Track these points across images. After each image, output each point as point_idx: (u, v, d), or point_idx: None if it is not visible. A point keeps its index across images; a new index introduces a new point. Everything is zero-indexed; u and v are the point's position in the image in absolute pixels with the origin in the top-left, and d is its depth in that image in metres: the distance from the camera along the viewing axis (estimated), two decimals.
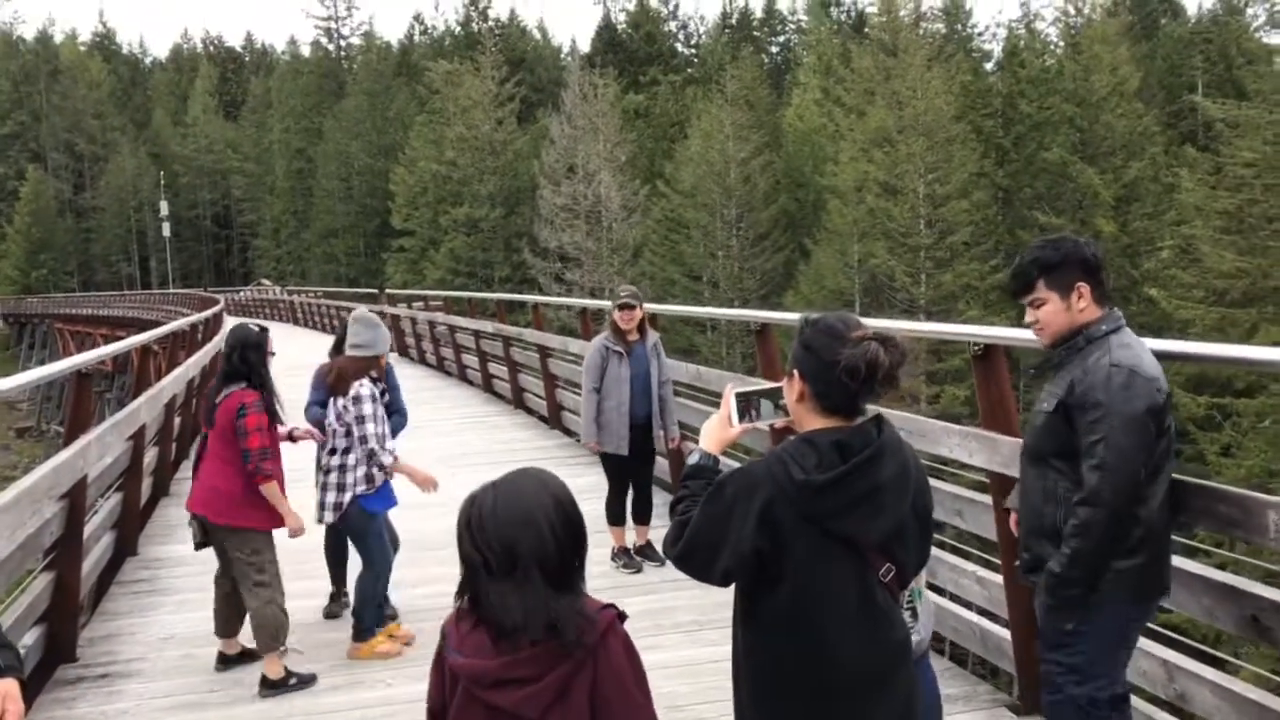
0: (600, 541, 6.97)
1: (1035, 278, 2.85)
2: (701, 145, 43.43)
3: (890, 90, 38.97)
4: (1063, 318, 2.81)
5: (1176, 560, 2.97)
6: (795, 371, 2.16)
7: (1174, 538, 2.91)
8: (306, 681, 4.76)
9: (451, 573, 6.04)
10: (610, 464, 6.53)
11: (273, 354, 5.13)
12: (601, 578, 6.14)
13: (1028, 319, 2.92)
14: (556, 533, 1.91)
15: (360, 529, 5.19)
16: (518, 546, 1.88)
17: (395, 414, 5.99)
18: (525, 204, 49.06)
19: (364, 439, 5.05)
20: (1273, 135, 35.05)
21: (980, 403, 3.96)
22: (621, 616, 1.96)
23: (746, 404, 2.27)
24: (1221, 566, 3.19)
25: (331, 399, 5.19)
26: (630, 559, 6.48)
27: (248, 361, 4.90)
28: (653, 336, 6.63)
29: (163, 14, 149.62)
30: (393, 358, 21.70)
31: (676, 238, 43.91)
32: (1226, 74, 48.09)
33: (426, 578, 6.29)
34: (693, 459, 2.29)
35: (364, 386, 5.10)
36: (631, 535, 6.63)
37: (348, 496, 5.09)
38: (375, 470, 5.11)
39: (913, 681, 2.17)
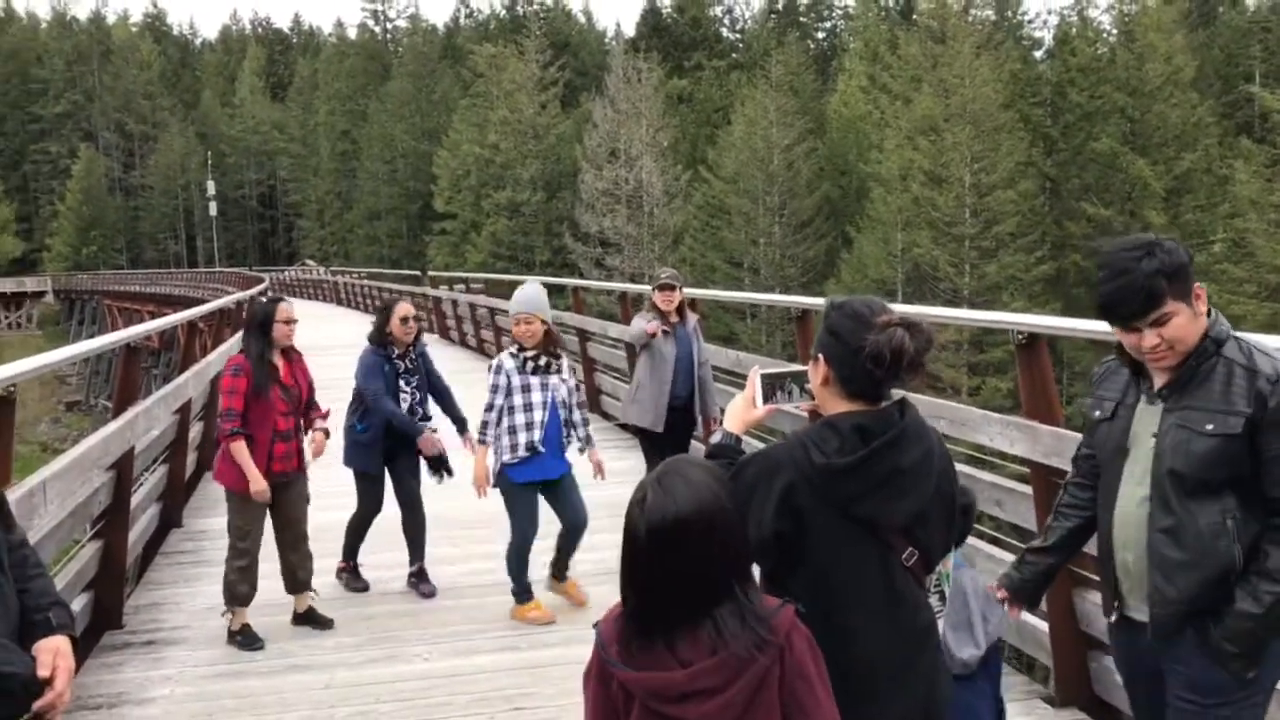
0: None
1: (1164, 290, 2.30)
2: (745, 131, 43.22)
3: (937, 78, 38.54)
4: (1193, 329, 2.35)
5: None
6: (820, 356, 2.14)
7: None
8: (247, 645, 4.97)
9: (487, 551, 6.09)
10: (648, 442, 6.53)
11: (293, 321, 5.16)
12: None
13: (1148, 343, 2.33)
14: (721, 535, 1.83)
15: (504, 496, 5.26)
16: (688, 548, 1.80)
17: (435, 393, 6.03)
18: (567, 188, 49.14)
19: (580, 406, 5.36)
20: None
21: (1023, 392, 3.92)
22: (799, 613, 1.88)
23: (772, 386, 2.27)
24: None
25: (548, 369, 5.23)
26: None
27: (247, 332, 5.12)
28: (692, 319, 6.63)
29: None
30: (433, 339, 21.54)
31: (718, 224, 43.77)
32: None
33: (466, 555, 6.37)
34: (715, 438, 2.29)
35: (499, 359, 5.20)
36: None
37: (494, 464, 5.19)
38: (520, 440, 5.13)
39: (936, 668, 2.15)
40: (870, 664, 2.04)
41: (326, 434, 5.45)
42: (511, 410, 5.13)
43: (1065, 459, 3.65)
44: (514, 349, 5.24)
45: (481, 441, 5.18)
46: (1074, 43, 45.31)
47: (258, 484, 4.96)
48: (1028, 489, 3.99)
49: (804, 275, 42.12)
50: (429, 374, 5.99)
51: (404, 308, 5.82)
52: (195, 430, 7.91)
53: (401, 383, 5.74)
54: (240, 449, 4.92)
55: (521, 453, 5.11)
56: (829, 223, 43.63)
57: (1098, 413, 2.57)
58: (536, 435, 5.11)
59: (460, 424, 6.00)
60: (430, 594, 5.69)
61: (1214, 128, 41.03)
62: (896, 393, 2.19)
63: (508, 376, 5.14)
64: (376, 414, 5.68)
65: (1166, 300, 2.31)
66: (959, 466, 4.64)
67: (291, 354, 5.25)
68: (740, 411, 2.30)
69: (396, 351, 5.77)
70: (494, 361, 5.31)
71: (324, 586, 5.53)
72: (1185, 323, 2.34)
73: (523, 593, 5.28)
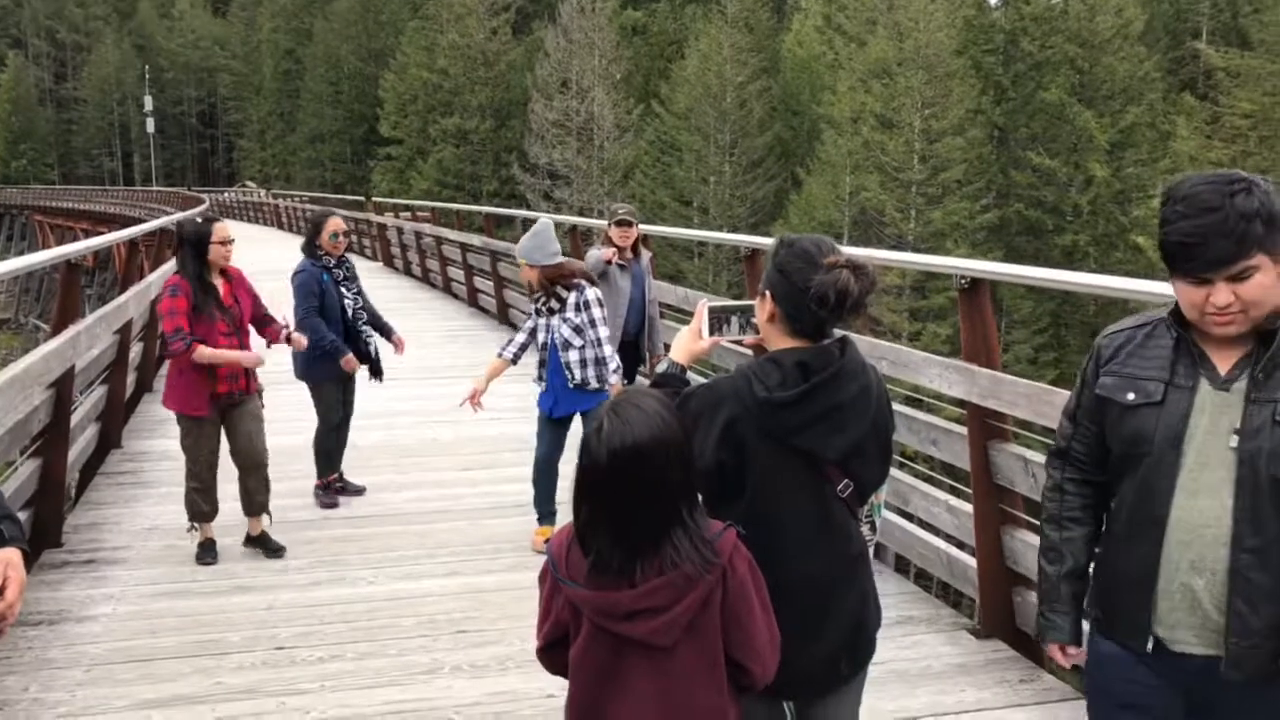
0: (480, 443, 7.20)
1: (1258, 236, 1.87)
2: (699, 67, 42.80)
3: (892, 20, 38.41)
4: (1276, 292, 1.92)
5: None
6: (768, 292, 2.19)
7: None
8: (203, 557, 5.07)
9: (430, 478, 6.19)
10: None
11: (229, 242, 5.06)
12: (480, 478, 6.54)
13: (1220, 299, 1.90)
14: (674, 463, 1.88)
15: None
16: (644, 473, 1.86)
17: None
18: (516, 118, 48.43)
19: (600, 342, 5.26)
20: (1272, 87, 34.90)
21: (964, 336, 4.03)
22: (740, 535, 1.95)
23: (719, 319, 2.32)
24: None
25: (552, 309, 5.15)
26: None
27: (181, 251, 5.01)
28: (646, 256, 6.68)
29: None
30: (378, 267, 21.34)
31: (669, 160, 43.51)
32: (1232, 22, 47.57)
33: (415, 482, 6.42)
34: (661, 367, 2.33)
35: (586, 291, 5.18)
36: None
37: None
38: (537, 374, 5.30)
39: (866, 594, 2.26)
40: (803, 590, 2.12)
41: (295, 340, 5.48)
42: (520, 329, 5.38)
43: (1000, 401, 3.79)
44: (531, 295, 5.43)
45: (499, 355, 5.31)
46: None
47: (249, 358, 5.02)
48: (963, 430, 4.12)
49: (752, 216, 42.14)
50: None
51: (335, 223, 5.95)
52: (135, 351, 7.80)
53: (343, 289, 5.90)
54: (205, 352, 4.85)
55: (536, 384, 5.31)
56: (779, 163, 43.59)
57: (1131, 395, 2.03)
58: (537, 372, 5.27)
59: (384, 331, 6.21)
60: (331, 505, 5.93)
61: (1159, 83, 41.53)
62: (838, 331, 2.26)
63: (530, 316, 5.34)
64: (330, 325, 5.79)
65: (1255, 250, 1.86)
66: (897, 407, 4.77)
67: (230, 274, 5.17)
68: (687, 342, 2.34)
69: (332, 261, 5.90)
70: None
71: (275, 510, 5.53)
72: (1270, 282, 1.90)
73: (542, 515, 5.35)
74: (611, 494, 1.87)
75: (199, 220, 5.04)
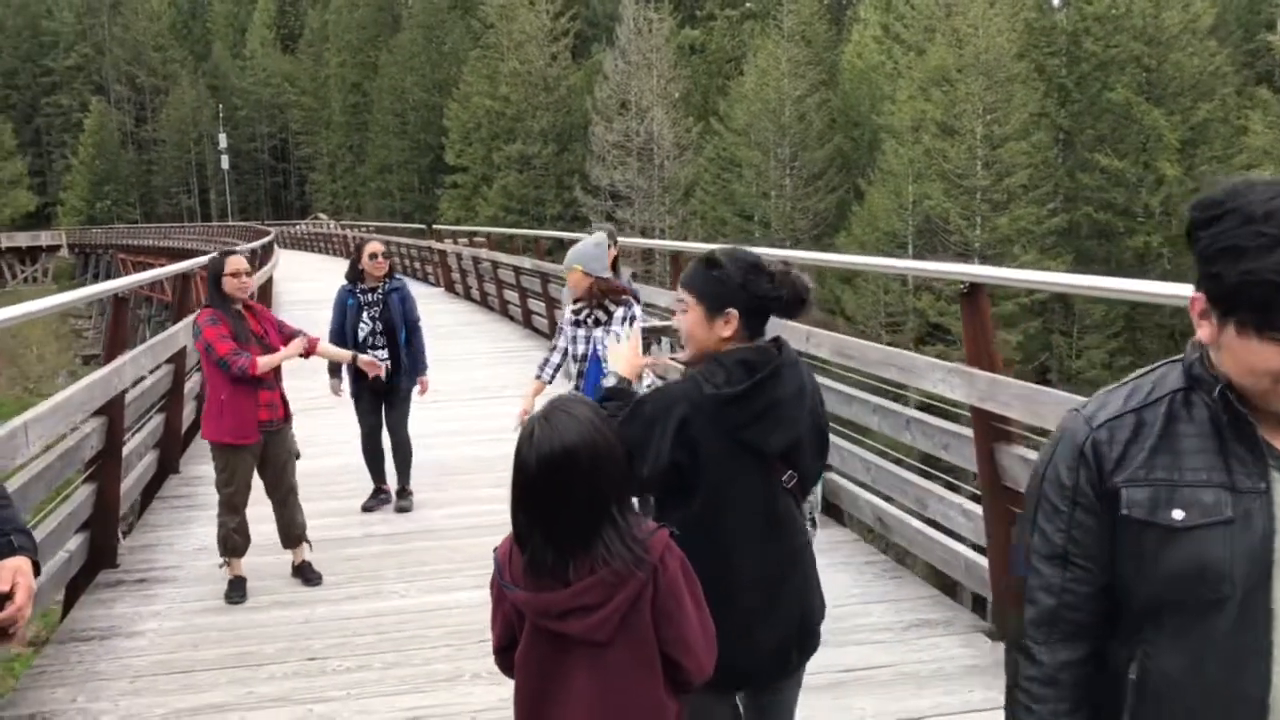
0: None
1: None
2: (757, 82, 42.86)
3: (951, 27, 38.07)
4: None
5: None
6: (732, 310, 2.26)
7: None
8: (232, 596, 5.07)
9: (472, 495, 6.35)
10: None
11: (241, 273, 5.17)
12: None
13: None
14: (605, 465, 1.97)
15: None
16: (572, 477, 1.94)
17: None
18: (578, 141, 48.95)
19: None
20: None
21: (965, 340, 4.06)
22: (674, 535, 2.03)
23: (648, 339, 2.47)
24: None
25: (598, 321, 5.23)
26: None
27: (210, 287, 5.19)
28: (626, 273, 6.89)
29: None
30: (439, 292, 21.72)
31: (729, 176, 43.59)
32: None
33: (451, 499, 6.59)
34: (609, 382, 2.46)
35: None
36: None
37: None
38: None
39: (809, 584, 2.34)
40: (754, 581, 2.22)
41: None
42: (553, 349, 5.41)
43: (998, 403, 3.80)
44: (573, 302, 5.46)
45: (536, 377, 5.39)
46: None
47: (296, 345, 5.21)
48: (970, 432, 4.14)
49: (814, 228, 41.99)
50: (405, 303, 6.40)
51: (372, 246, 6.34)
52: (193, 380, 8.11)
53: (364, 314, 6.28)
54: (263, 360, 4.99)
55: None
56: (840, 175, 43.38)
57: (1180, 514, 1.37)
58: (546, 375, 5.34)
59: (419, 365, 6.53)
60: (369, 510, 6.36)
61: (1232, 77, 40.42)
62: (770, 332, 2.38)
63: (567, 326, 5.37)
64: (345, 344, 6.20)
65: None
66: (910, 412, 4.80)
67: (254, 309, 5.33)
68: (628, 358, 2.47)
69: (364, 287, 6.28)
70: None
71: (311, 529, 5.72)
72: None
73: None
74: (541, 497, 1.96)
75: (217, 255, 5.27)
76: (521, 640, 2.03)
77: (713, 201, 43.61)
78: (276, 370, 5.19)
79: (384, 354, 6.25)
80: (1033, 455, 3.82)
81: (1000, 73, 36.33)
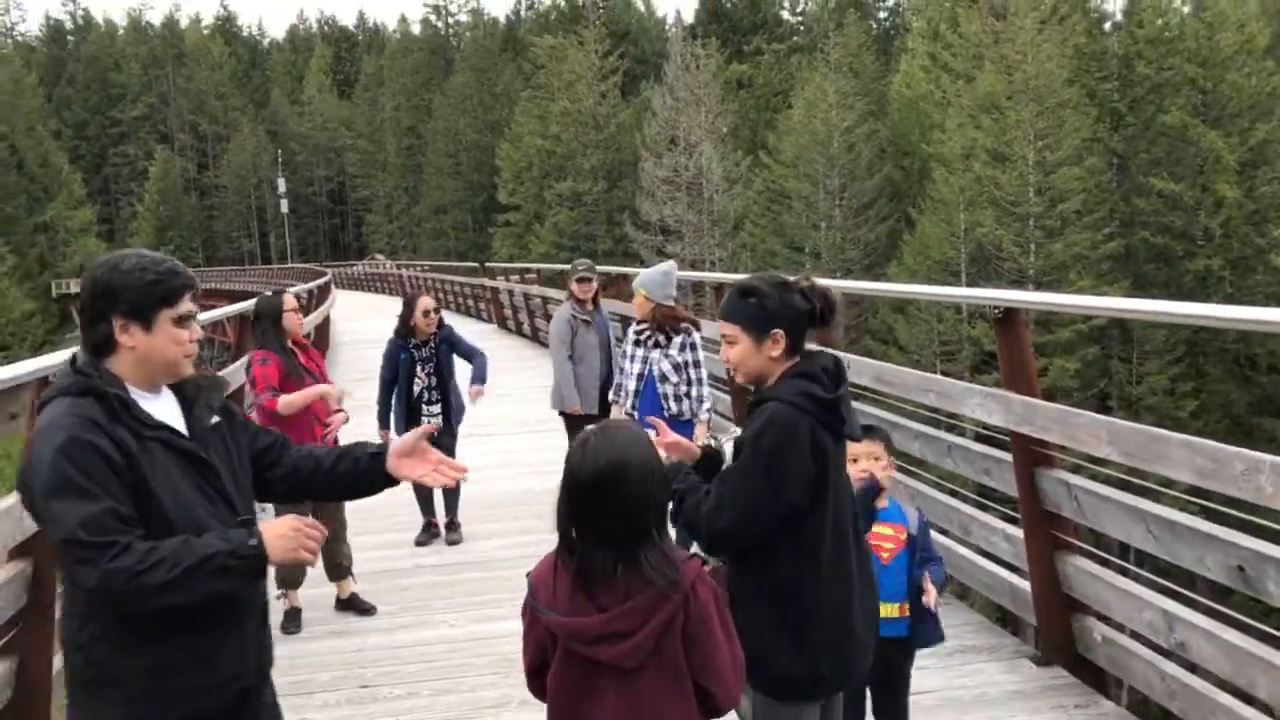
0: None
1: None
2: (805, 114, 42.96)
3: (999, 54, 37.91)
4: None
5: (1166, 511, 3.07)
6: (775, 333, 2.42)
7: (1162, 489, 3.01)
8: (287, 627, 5.16)
9: (520, 526, 6.44)
10: (574, 425, 6.81)
11: (296, 310, 5.41)
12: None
13: None
14: (652, 481, 2.05)
15: None
16: (625, 488, 2.01)
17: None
18: (627, 177, 49.38)
19: (701, 382, 5.53)
20: None
21: (1001, 364, 4.08)
22: (705, 563, 2.12)
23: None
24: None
25: (658, 344, 5.48)
26: None
27: (259, 325, 5.36)
28: (605, 307, 7.10)
29: None
30: (492, 329, 21.88)
31: (778, 209, 43.64)
32: None
33: (504, 530, 6.70)
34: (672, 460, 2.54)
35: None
36: None
37: None
38: (625, 404, 5.60)
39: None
40: (853, 570, 2.46)
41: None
42: (623, 373, 5.65)
43: (1035, 426, 3.81)
44: (635, 322, 5.67)
45: (614, 402, 5.71)
46: (1142, 14, 44.17)
47: (321, 387, 5.23)
48: (1009, 457, 4.15)
49: (866, 258, 41.81)
50: (456, 348, 6.55)
51: (425, 302, 6.42)
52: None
53: (418, 368, 6.36)
54: (285, 398, 5.09)
55: (623, 415, 5.58)
56: (891, 204, 43.21)
57: None
58: (628, 403, 5.52)
59: (477, 376, 6.65)
60: (422, 543, 6.49)
61: None
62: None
63: (626, 345, 5.63)
64: (399, 398, 6.35)
65: None
66: (954, 439, 4.81)
67: (302, 345, 5.49)
68: (684, 446, 2.61)
69: (415, 341, 6.36)
70: None
71: (364, 561, 5.83)
72: None
73: None
74: (592, 504, 2.02)
75: (269, 294, 5.44)
76: (554, 663, 2.08)
77: (762, 234, 43.66)
78: (327, 405, 5.33)
79: (438, 409, 6.41)
80: (1072, 479, 3.83)
81: (1051, 98, 36.04)
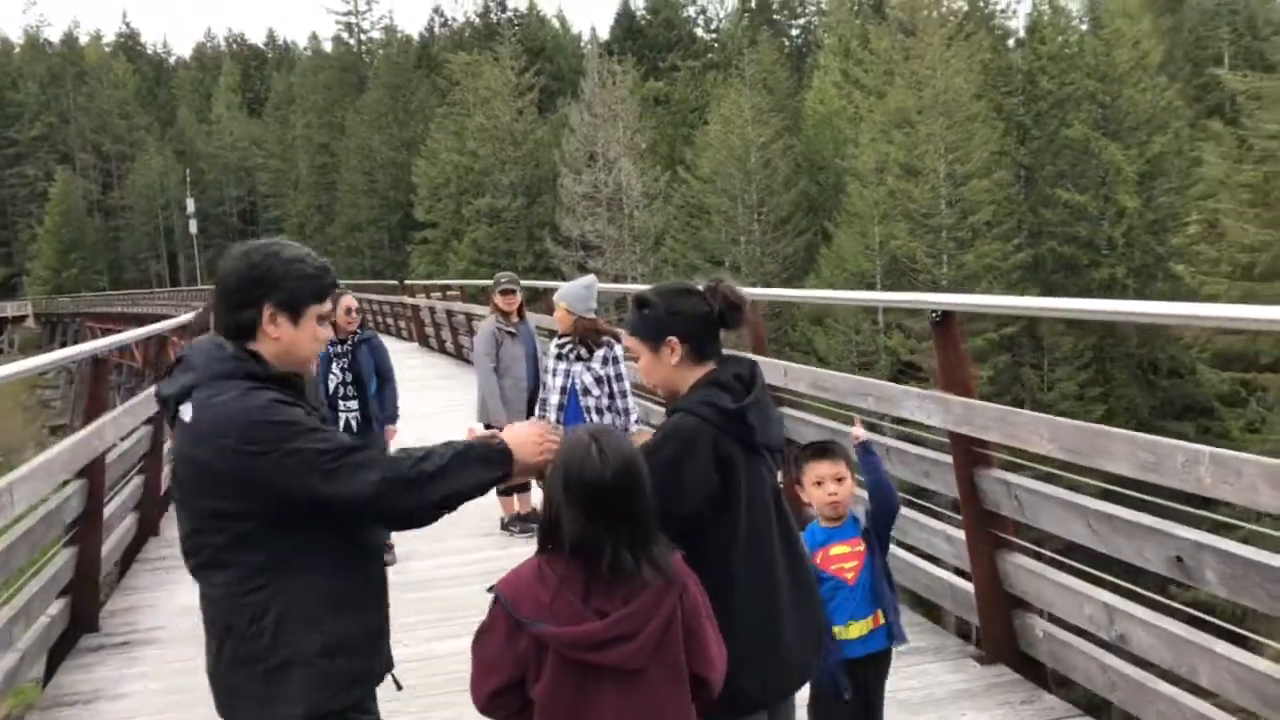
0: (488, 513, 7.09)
1: None
2: (721, 130, 43.43)
3: (909, 70, 38.77)
4: None
5: (1105, 506, 3.13)
6: (669, 340, 2.38)
7: (1104, 485, 3.07)
8: None
9: (453, 546, 6.32)
10: None
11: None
12: (497, 543, 6.78)
13: None
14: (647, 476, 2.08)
15: None
16: (639, 485, 2.04)
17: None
18: (547, 193, 49.31)
19: (625, 394, 5.47)
20: None
21: (939, 367, 4.14)
22: (683, 555, 2.13)
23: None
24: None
25: (580, 357, 5.43)
26: (525, 524, 6.81)
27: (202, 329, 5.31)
28: (530, 320, 7.16)
29: (185, 13, 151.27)
30: (414, 347, 21.61)
31: (698, 224, 43.99)
32: (1254, 45, 47.47)
33: (439, 550, 6.58)
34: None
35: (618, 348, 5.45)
36: (516, 503, 7.06)
37: None
38: (548, 416, 5.51)
39: (813, 577, 2.58)
40: (786, 584, 2.36)
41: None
42: (546, 388, 5.64)
43: (974, 427, 3.88)
44: (557, 336, 5.66)
45: (541, 416, 5.62)
46: (1044, 31, 45.67)
47: None
48: (949, 458, 4.21)
49: (784, 271, 42.34)
50: (376, 356, 6.47)
51: (347, 300, 6.36)
52: (171, 441, 8.06)
53: (334, 365, 6.31)
54: None
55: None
56: (808, 218, 43.88)
57: None
58: (551, 415, 5.49)
59: (389, 416, 6.55)
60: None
61: (1184, 110, 41.44)
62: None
63: (549, 360, 5.62)
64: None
65: None
66: (893, 442, 4.86)
67: None
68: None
69: (333, 339, 6.24)
70: None
71: None
72: None
73: None
74: (617, 503, 2.02)
75: (203, 308, 5.29)
76: (545, 675, 2.02)
77: (683, 249, 43.92)
78: None
79: (354, 404, 6.30)
80: (1010, 477, 3.89)
81: (960, 112, 37.00)
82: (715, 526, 2.29)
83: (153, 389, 7.40)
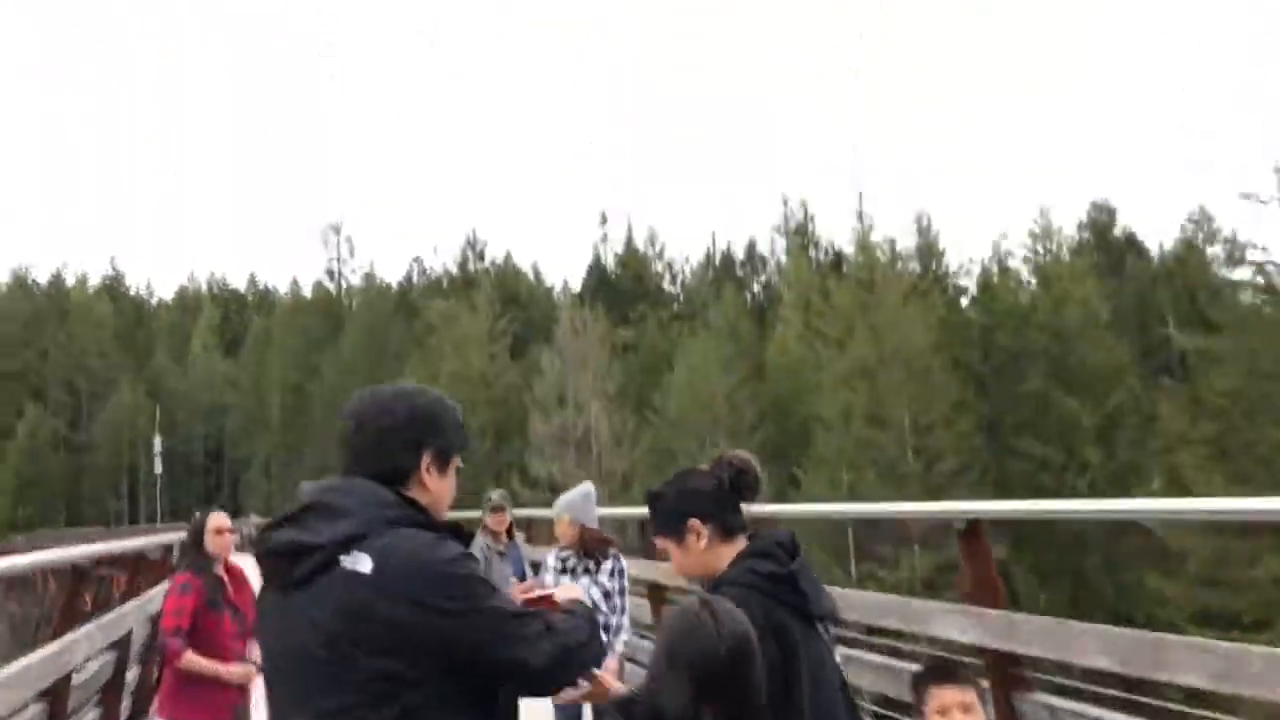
0: None
1: None
2: (688, 376, 44.47)
3: (869, 324, 40.28)
4: None
5: None
6: (693, 523, 2.30)
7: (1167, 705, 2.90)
8: None
9: None
10: None
11: (225, 531, 4.96)
12: None
13: None
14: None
15: None
16: (755, 659, 1.92)
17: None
18: (516, 434, 49.58)
19: (624, 610, 5.20)
20: (1245, 366, 36.15)
21: (966, 578, 4.01)
22: None
23: None
24: None
25: (587, 570, 5.18)
26: None
27: (187, 548, 4.94)
28: (519, 538, 7.07)
29: (170, 256, 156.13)
30: None
31: (666, 466, 44.08)
32: (1194, 307, 49.99)
33: None
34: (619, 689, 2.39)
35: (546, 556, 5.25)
36: None
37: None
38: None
39: None
40: None
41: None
42: None
43: (1018, 642, 3.70)
44: (558, 549, 5.41)
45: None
46: (995, 290, 48.03)
47: (238, 672, 4.69)
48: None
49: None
50: None
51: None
52: (133, 673, 7.57)
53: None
54: (192, 658, 4.60)
55: None
56: (775, 464, 44.13)
57: None
58: None
59: None
60: None
61: (1136, 367, 43.01)
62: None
63: (546, 576, 5.31)
64: None
65: None
66: (914, 667, 4.65)
67: (234, 573, 5.04)
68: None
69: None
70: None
71: None
72: None
73: None
74: (733, 682, 1.89)
75: (198, 514, 5.09)
76: None
77: None
78: (246, 646, 4.82)
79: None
80: (1059, 703, 3.67)
81: (919, 363, 38.18)
82: (783, 710, 2.08)
83: (127, 607, 7.03)
